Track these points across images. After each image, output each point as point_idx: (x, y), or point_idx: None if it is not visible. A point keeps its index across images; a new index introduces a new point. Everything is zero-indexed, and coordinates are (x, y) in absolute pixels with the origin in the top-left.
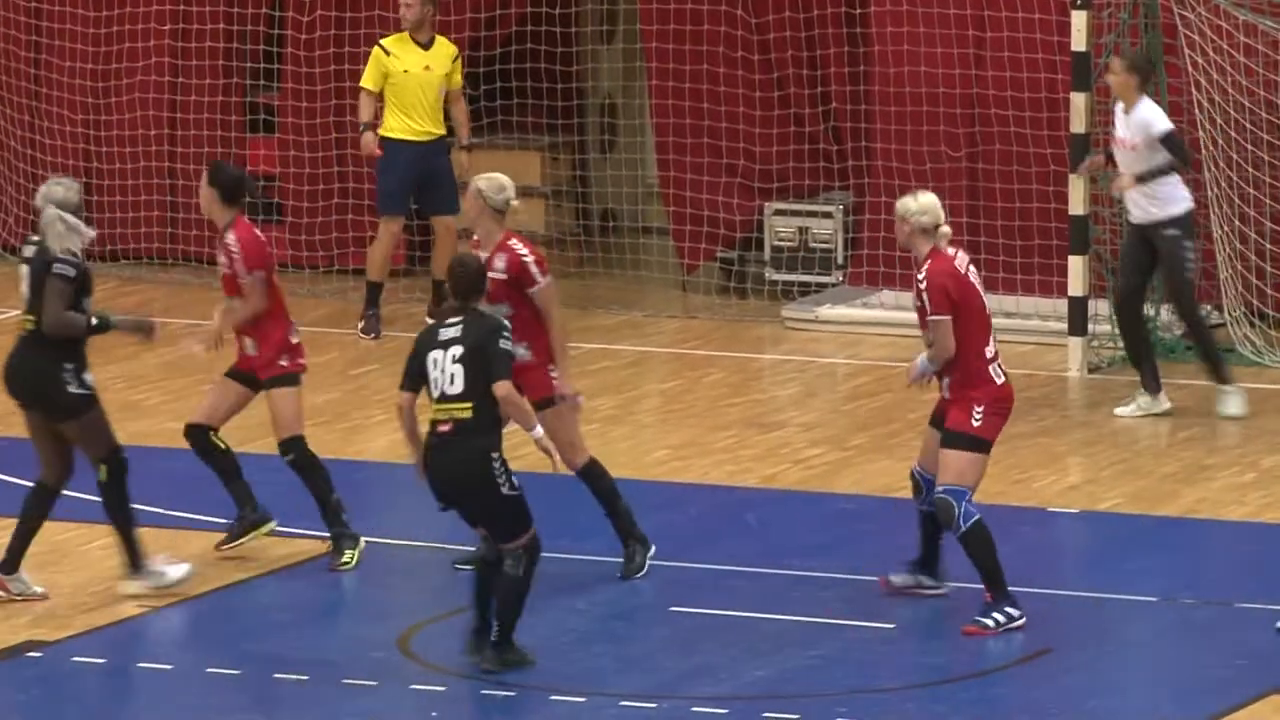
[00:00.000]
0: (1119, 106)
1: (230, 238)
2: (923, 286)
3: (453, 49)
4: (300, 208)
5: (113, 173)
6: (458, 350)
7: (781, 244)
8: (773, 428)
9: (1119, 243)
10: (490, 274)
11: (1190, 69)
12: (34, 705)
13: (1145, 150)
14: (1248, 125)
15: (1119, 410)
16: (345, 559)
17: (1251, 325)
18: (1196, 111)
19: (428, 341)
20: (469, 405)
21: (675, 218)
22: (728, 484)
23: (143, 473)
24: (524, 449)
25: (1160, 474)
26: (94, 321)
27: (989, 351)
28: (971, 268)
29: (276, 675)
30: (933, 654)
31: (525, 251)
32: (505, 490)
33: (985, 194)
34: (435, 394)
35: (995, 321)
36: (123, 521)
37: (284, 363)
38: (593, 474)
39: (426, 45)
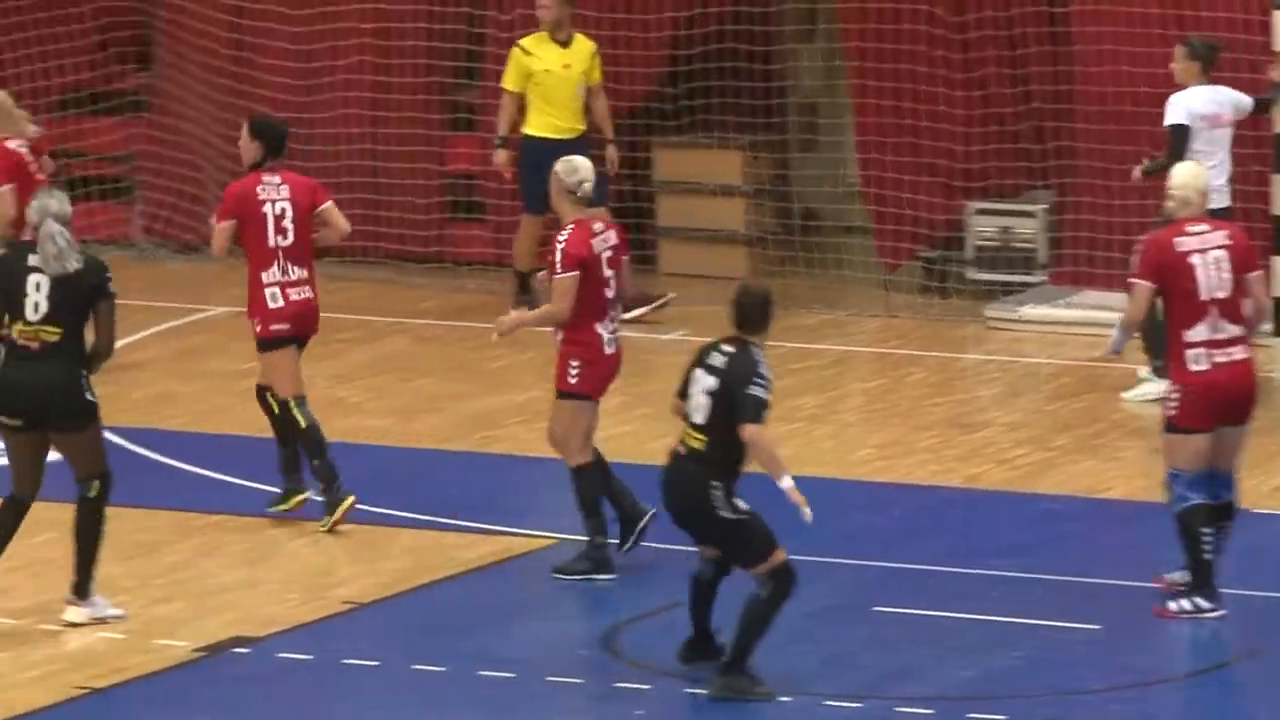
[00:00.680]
0: None
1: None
2: (1140, 250)
3: (591, 46)
4: (503, 206)
5: (315, 171)
6: (712, 383)
7: (983, 243)
8: (976, 427)
9: None
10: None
11: None
12: (240, 701)
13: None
14: None
15: None
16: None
17: None
18: None
19: (700, 357)
20: (704, 438)
21: (877, 217)
22: (931, 484)
23: (349, 470)
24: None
25: None
26: None
27: (1193, 336)
28: (1201, 256)
29: (482, 672)
30: (1140, 655)
31: (564, 238)
32: (727, 515)
33: None
34: (690, 416)
35: None
36: (95, 542)
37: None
38: (583, 475)
39: (565, 43)
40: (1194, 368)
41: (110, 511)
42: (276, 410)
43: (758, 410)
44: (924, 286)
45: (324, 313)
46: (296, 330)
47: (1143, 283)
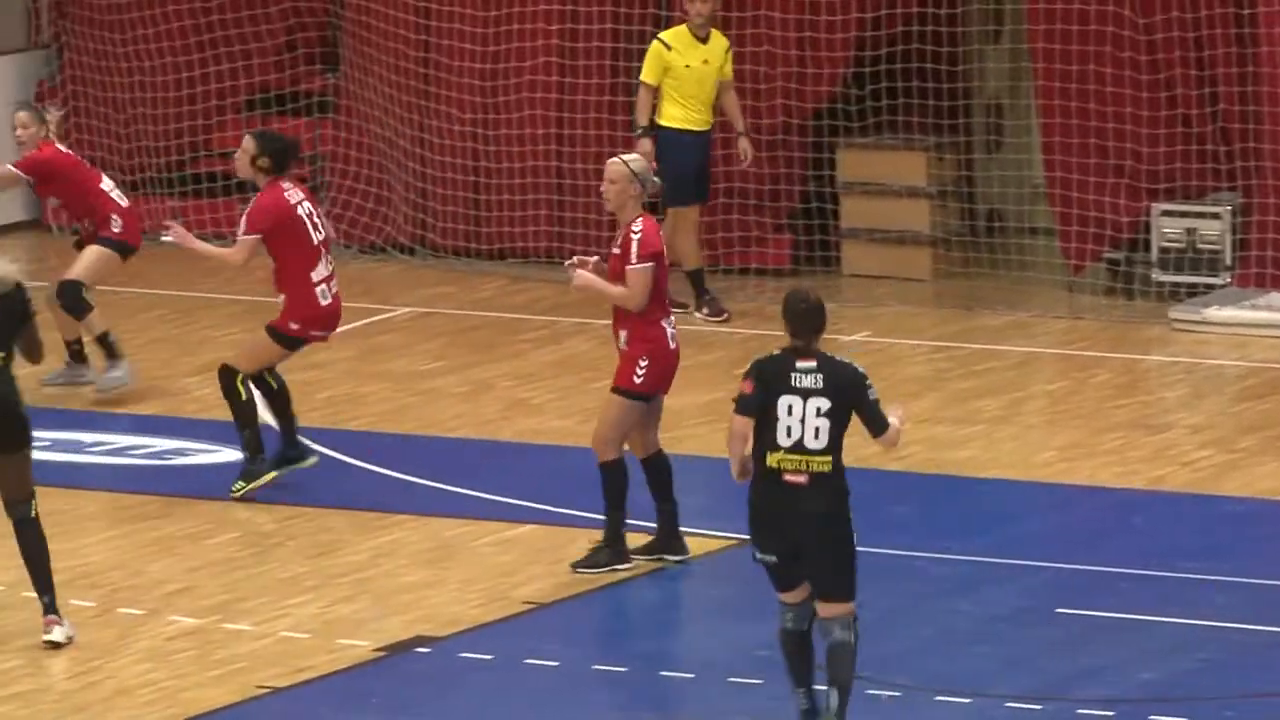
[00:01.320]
0: None
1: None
2: None
3: (725, 42)
4: None
5: (500, 172)
6: (823, 404)
7: (1169, 245)
8: (1160, 429)
9: None
10: (614, 250)
11: None
12: (422, 700)
13: None
14: None
15: None
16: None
17: None
18: None
19: (779, 382)
20: (829, 459)
21: (1062, 218)
22: (1114, 485)
23: (531, 471)
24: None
25: None
26: None
27: None
28: None
29: (663, 673)
30: None
31: (639, 230)
32: (854, 541)
33: None
34: (787, 441)
35: None
36: (47, 560)
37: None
38: (613, 471)
39: (704, 39)
40: None
41: (293, 510)
42: (242, 391)
43: (883, 415)
44: (1109, 288)
45: (508, 313)
46: (321, 338)
47: None
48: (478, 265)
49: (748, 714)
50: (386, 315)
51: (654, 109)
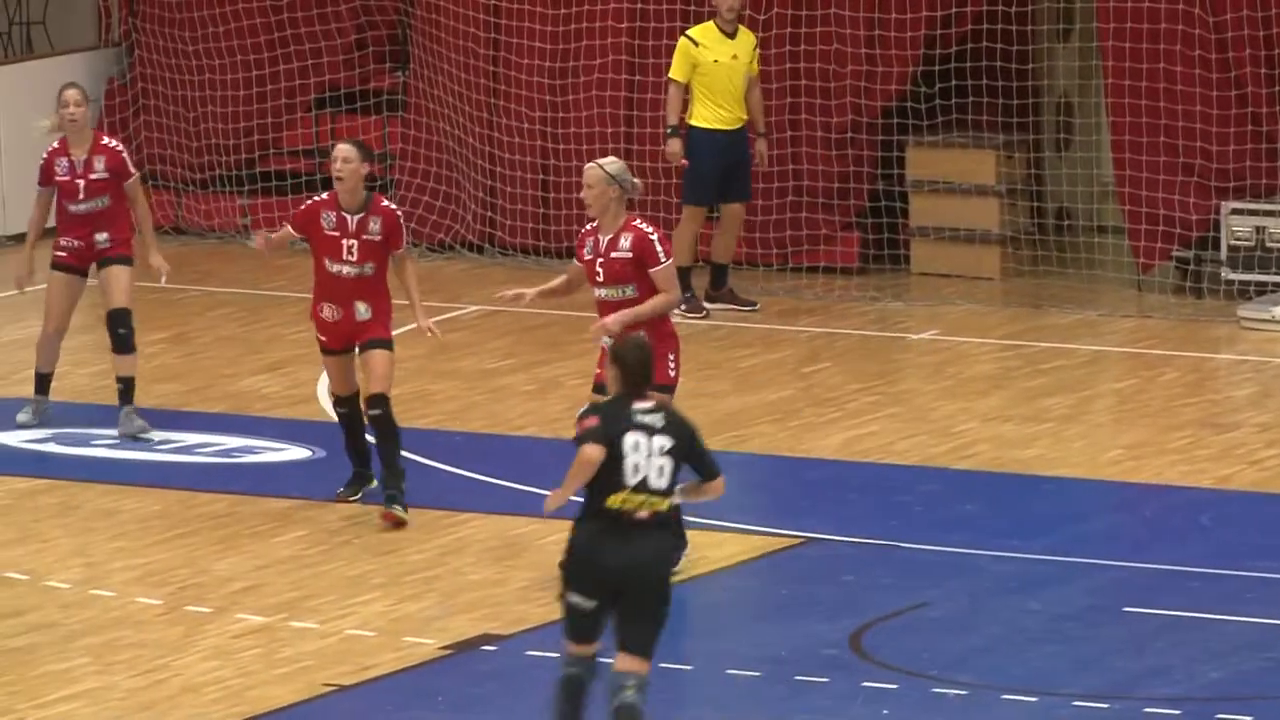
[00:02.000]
0: None
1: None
2: None
3: (753, 38)
4: (753, 205)
5: (569, 170)
6: (666, 442)
7: (1238, 244)
8: (1228, 428)
9: None
10: (614, 254)
11: None
12: (489, 698)
13: None
14: None
15: None
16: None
17: None
18: None
19: (621, 421)
20: (667, 502)
21: (1131, 217)
22: (1182, 484)
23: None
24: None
25: None
26: None
27: None
28: None
29: (729, 671)
30: None
31: (650, 230)
32: (671, 600)
33: None
34: (633, 479)
35: None
36: None
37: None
38: None
39: (732, 35)
40: None
41: (357, 509)
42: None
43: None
44: (1178, 287)
45: (576, 311)
46: None
47: None
48: (546, 263)
49: (813, 713)
50: (455, 313)
51: (685, 107)
